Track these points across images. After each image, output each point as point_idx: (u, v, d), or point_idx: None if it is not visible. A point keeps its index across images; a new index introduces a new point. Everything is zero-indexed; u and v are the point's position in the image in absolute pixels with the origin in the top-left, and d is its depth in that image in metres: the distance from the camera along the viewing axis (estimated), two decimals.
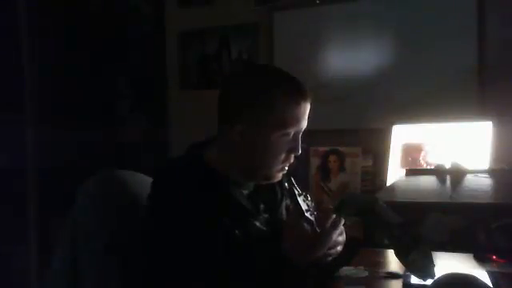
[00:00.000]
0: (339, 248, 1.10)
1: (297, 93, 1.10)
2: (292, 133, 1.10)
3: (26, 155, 2.50)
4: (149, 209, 1.11)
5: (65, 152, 2.49)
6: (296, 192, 1.06)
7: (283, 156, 1.11)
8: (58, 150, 2.47)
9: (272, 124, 1.08)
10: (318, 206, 1.07)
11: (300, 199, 1.05)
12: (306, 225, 1.02)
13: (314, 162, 2.42)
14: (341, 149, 2.38)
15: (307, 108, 1.11)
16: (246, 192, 1.19)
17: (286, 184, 1.10)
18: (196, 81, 2.82)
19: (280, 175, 1.15)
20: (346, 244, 1.12)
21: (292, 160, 1.14)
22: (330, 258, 1.09)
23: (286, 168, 1.15)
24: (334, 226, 1.02)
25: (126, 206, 1.21)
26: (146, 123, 2.99)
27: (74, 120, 2.55)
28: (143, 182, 1.23)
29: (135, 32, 2.99)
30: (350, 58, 2.43)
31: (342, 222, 1.03)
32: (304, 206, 1.04)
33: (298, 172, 2.43)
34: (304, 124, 1.12)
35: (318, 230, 1.02)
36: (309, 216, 1.03)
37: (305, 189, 1.09)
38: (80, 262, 1.17)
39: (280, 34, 2.59)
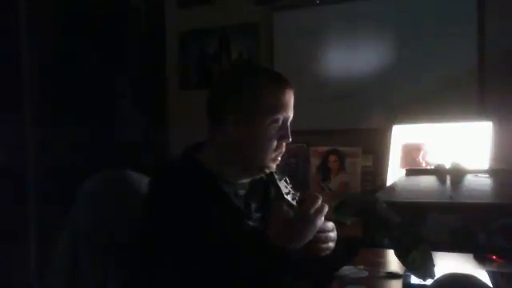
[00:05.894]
0: (331, 244, 1.09)
1: (281, 80, 1.17)
2: (281, 119, 1.15)
3: (26, 155, 2.49)
4: (146, 208, 1.12)
5: (65, 152, 2.49)
6: (276, 177, 1.07)
7: (275, 143, 1.15)
8: (58, 150, 2.47)
9: (263, 111, 1.13)
10: (304, 193, 1.06)
11: (280, 183, 1.05)
12: (285, 207, 1.02)
13: (314, 161, 2.42)
14: (341, 149, 2.37)
15: (292, 96, 1.17)
16: (242, 192, 1.20)
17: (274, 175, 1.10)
18: (196, 81, 2.82)
19: (274, 165, 1.18)
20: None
21: (283, 149, 1.18)
22: (325, 254, 1.09)
23: (279, 158, 1.18)
24: (319, 211, 1.01)
25: (126, 206, 1.21)
26: (145, 123, 2.99)
27: (73, 120, 2.55)
28: (143, 182, 1.23)
29: (135, 32, 2.99)
30: (350, 57, 2.43)
31: (326, 208, 1.02)
32: (284, 190, 1.04)
33: (298, 172, 2.44)
34: (291, 112, 1.17)
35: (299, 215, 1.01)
36: (289, 199, 1.02)
37: (298, 184, 1.09)
38: (80, 262, 1.18)
39: (280, 34, 2.59)
